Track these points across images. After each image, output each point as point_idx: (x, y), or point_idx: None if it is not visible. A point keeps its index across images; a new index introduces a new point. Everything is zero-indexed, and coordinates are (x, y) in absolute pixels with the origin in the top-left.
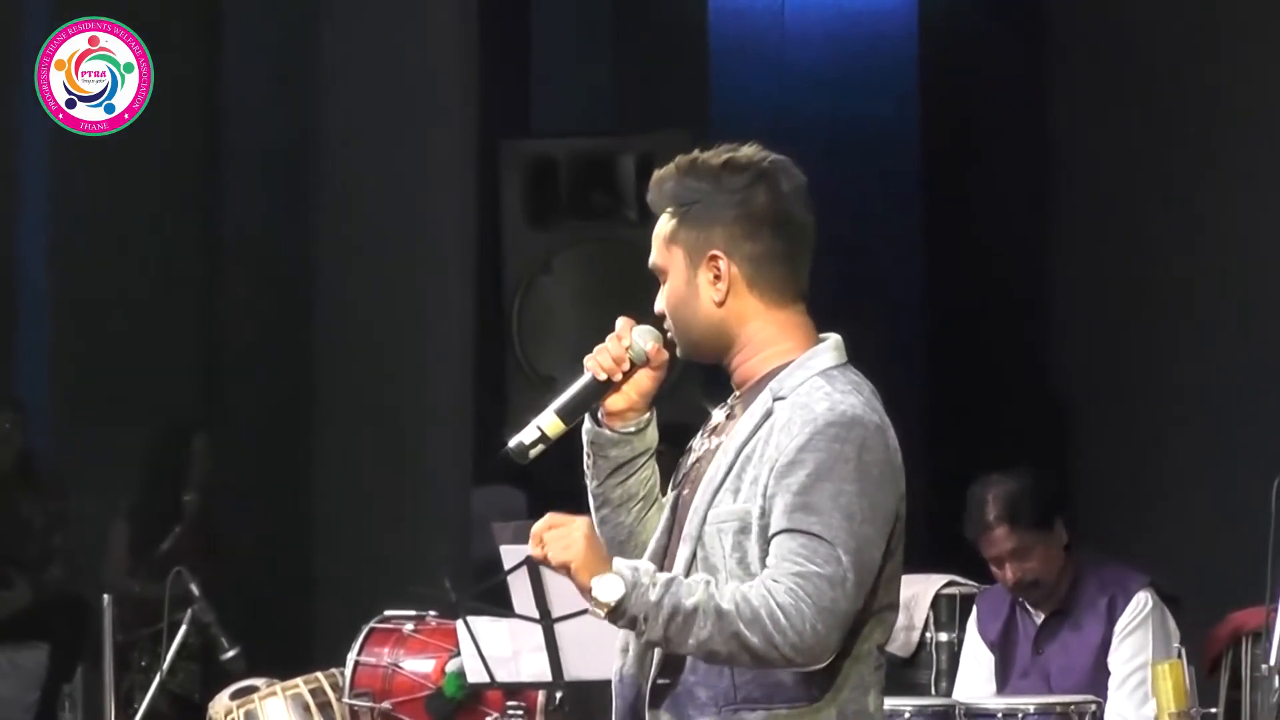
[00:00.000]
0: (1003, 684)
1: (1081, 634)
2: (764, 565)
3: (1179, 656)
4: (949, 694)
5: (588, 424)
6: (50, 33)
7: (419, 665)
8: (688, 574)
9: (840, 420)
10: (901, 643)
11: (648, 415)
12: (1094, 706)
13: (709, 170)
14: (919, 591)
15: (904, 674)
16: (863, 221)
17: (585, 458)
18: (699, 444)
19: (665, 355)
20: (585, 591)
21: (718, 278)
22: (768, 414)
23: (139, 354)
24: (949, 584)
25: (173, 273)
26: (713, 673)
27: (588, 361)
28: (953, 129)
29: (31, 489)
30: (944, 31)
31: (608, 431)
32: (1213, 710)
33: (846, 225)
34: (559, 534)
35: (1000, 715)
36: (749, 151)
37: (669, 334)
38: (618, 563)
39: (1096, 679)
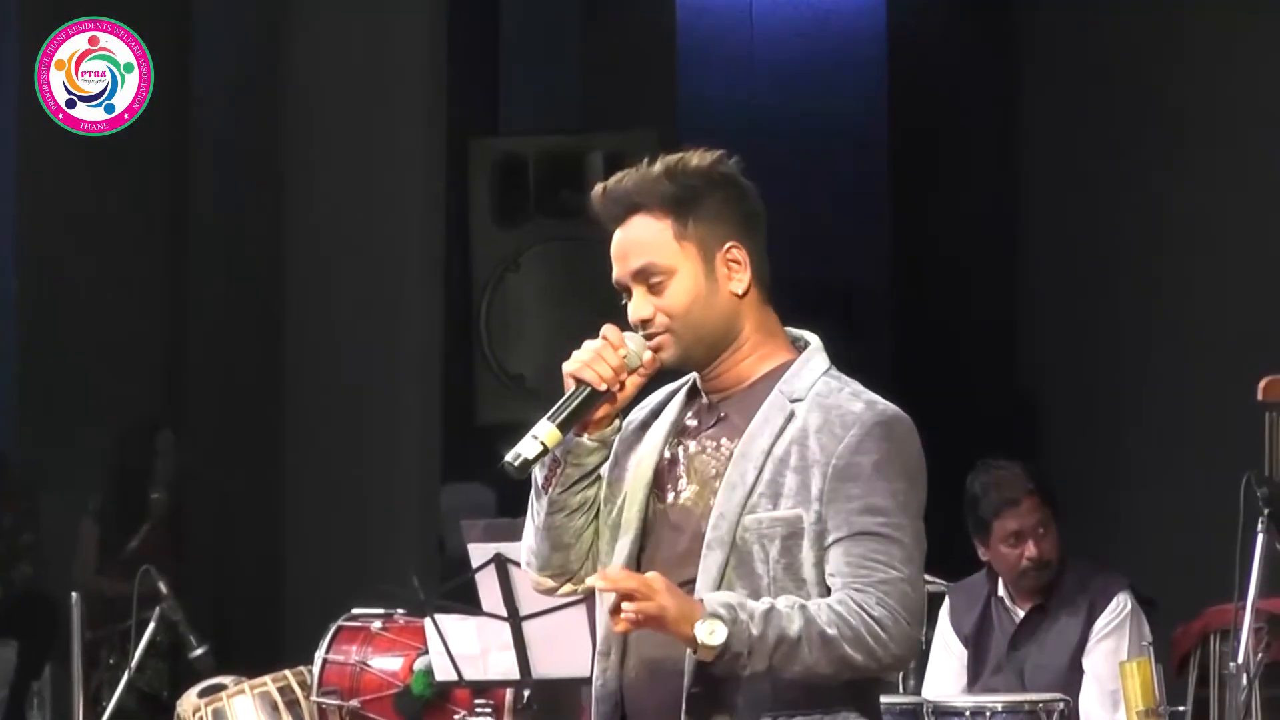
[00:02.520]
0: (974, 679)
1: (1059, 633)
2: (816, 571)
3: (1147, 654)
4: (917, 692)
5: None
6: (50, 33)
7: (387, 663)
8: (720, 581)
9: (883, 419)
10: None
11: (618, 422)
12: (1061, 705)
13: (700, 170)
14: None
15: None
16: (831, 219)
17: (550, 465)
18: (664, 446)
19: (657, 361)
20: (688, 640)
21: (735, 268)
22: (789, 416)
23: (106, 352)
24: None
25: (140, 271)
26: (749, 678)
27: (581, 372)
28: (921, 127)
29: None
30: (912, 30)
31: (586, 440)
32: (1181, 708)
33: (814, 223)
34: (644, 594)
35: (968, 713)
36: (716, 153)
37: (653, 340)
38: (709, 602)
39: (1070, 678)
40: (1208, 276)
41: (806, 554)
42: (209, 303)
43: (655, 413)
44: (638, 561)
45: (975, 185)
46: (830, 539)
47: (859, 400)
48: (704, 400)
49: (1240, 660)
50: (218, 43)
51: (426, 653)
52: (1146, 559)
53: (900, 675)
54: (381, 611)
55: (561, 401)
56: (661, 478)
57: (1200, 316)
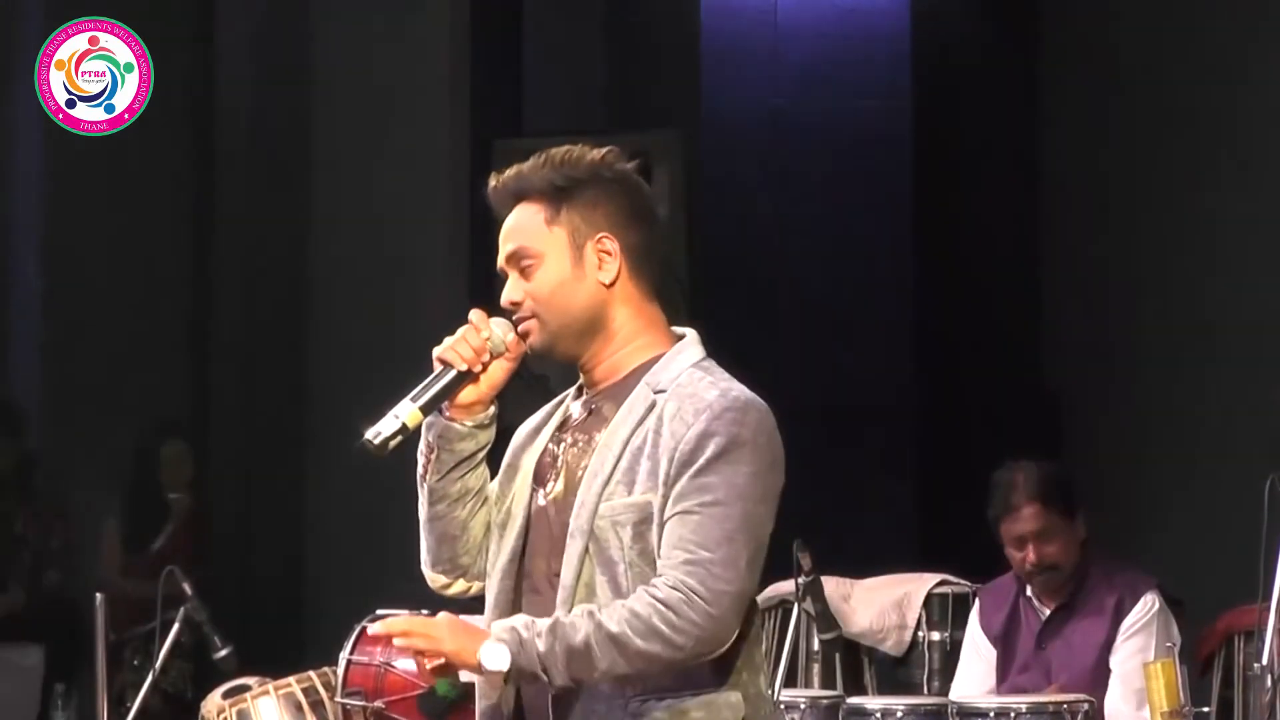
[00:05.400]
0: (1003, 678)
1: (1086, 631)
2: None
3: (1172, 656)
4: (942, 693)
5: (431, 417)
6: (50, 33)
7: (411, 664)
8: (580, 569)
9: (735, 405)
10: (894, 642)
11: (493, 409)
12: (1086, 706)
13: (587, 161)
14: (911, 590)
15: (897, 673)
16: (853, 217)
17: (425, 452)
18: (548, 442)
19: (522, 346)
20: (476, 669)
21: (605, 258)
22: (650, 406)
23: (131, 352)
24: (941, 583)
25: (165, 272)
26: (581, 686)
27: (445, 353)
28: (944, 126)
29: (28, 491)
30: (936, 29)
31: (457, 425)
32: (1205, 709)
33: (837, 222)
34: (420, 632)
35: (993, 714)
36: (606, 149)
37: (521, 325)
38: (494, 628)
39: (1097, 677)
40: (1234, 277)
41: (655, 538)
42: (233, 303)
43: (548, 416)
44: (521, 556)
45: (999, 183)
46: (663, 519)
47: (715, 388)
48: (583, 396)
49: (1265, 661)
50: (242, 43)
51: None
52: (1170, 559)
53: (925, 676)
54: (406, 613)
55: (424, 383)
56: (541, 473)
57: (1225, 318)
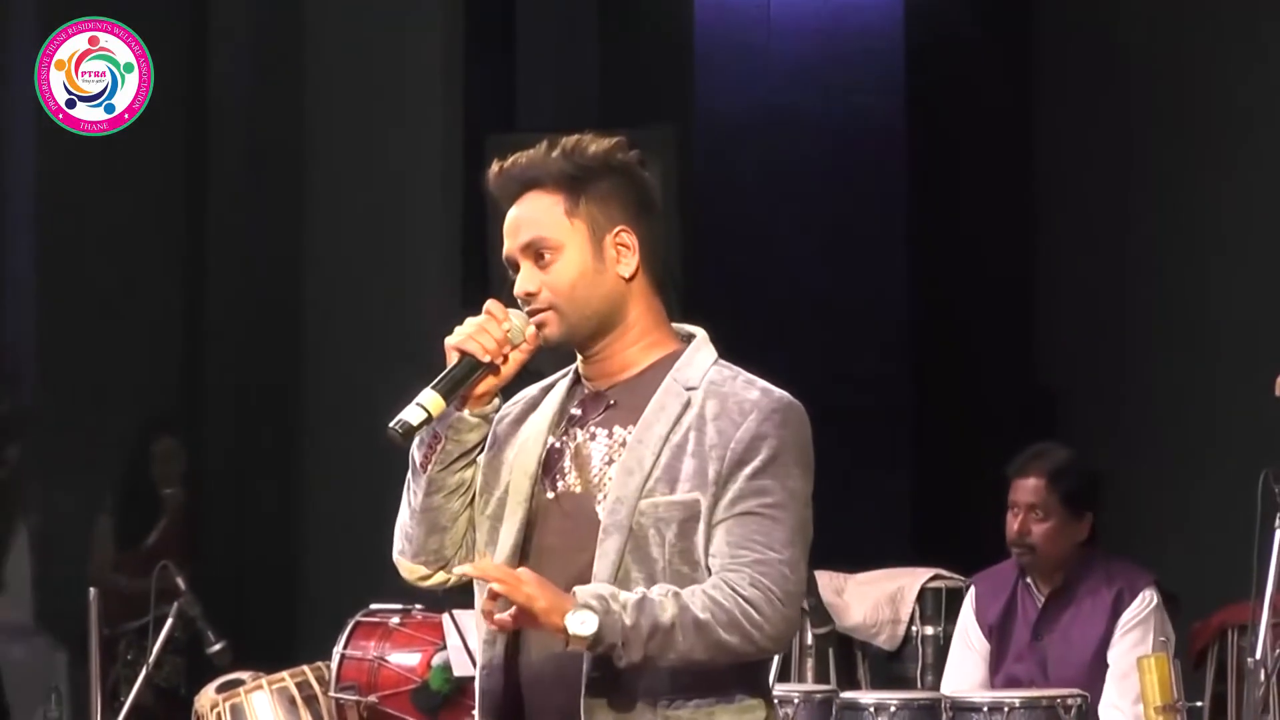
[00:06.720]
0: (997, 667)
1: (1083, 624)
2: (709, 554)
3: (1166, 650)
4: (935, 687)
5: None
6: (50, 33)
7: (405, 659)
8: (619, 565)
9: (779, 406)
10: (888, 636)
11: (497, 401)
12: (1080, 700)
13: (600, 152)
14: (905, 585)
15: (890, 667)
16: (848, 214)
17: (429, 442)
18: (549, 434)
19: (538, 339)
20: (559, 631)
21: (624, 252)
22: (686, 404)
23: (125, 347)
24: (935, 578)
25: (159, 268)
26: (647, 665)
27: (465, 343)
28: (939, 121)
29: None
30: (930, 24)
31: (467, 415)
32: (1198, 703)
33: (832, 218)
34: (513, 583)
35: (986, 709)
36: (614, 140)
37: (537, 317)
38: (580, 594)
39: (1093, 670)
40: (1227, 273)
41: (701, 537)
42: (227, 299)
43: (532, 405)
44: (523, 551)
45: (993, 178)
46: (716, 519)
47: (754, 388)
48: (588, 389)
49: (1259, 656)
50: (235, 41)
51: (444, 648)
52: (1167, 556)
53: (918, 671)
54: (399, 607)
55: (445, 372)
56: (549, 467)
57: (1219, 313)
